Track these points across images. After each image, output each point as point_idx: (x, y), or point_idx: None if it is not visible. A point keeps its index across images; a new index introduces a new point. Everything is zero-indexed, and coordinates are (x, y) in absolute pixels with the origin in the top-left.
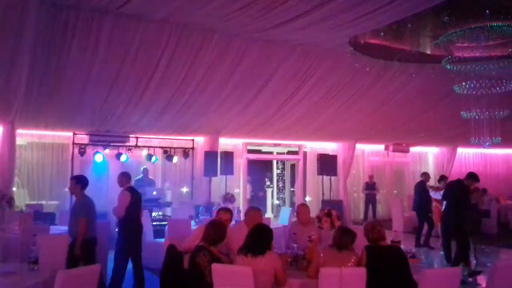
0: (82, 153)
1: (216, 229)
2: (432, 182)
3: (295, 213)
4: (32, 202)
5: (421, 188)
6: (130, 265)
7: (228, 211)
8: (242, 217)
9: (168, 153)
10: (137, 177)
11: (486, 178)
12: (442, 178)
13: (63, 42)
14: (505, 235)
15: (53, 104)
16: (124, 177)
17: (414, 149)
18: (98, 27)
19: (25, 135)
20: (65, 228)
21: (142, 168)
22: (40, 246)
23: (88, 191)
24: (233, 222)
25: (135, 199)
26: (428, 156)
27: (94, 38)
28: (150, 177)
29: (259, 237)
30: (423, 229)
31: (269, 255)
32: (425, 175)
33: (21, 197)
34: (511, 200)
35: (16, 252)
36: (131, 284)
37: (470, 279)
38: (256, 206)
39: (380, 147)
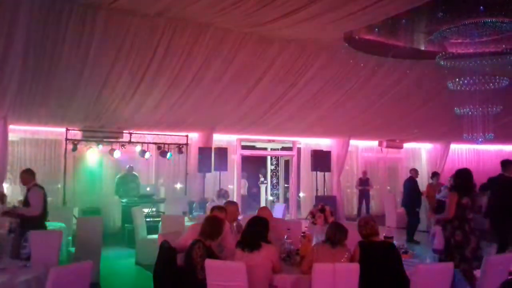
0: (75, 149)
1: (212, 225)
2: (425, 178)
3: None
4: None
5: (410, 184)
6: (125, 261)
7: (223, 209)
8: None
9: (162, 149)
10: (120, 175)
11: (478, 174)
12: (434, 174)
13: (56, 36)
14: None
15: (46, 99)
16: (27, 174)
17: (407, 145)
18: (92, 21)
19: (17, 131)
20: (58, 224)
21: (127, 167)
22: (32, 243)
23: (81, 187)
24: None
25: (46, 196)
26: (421, 152)
27: (87, 32)
28: (134, 172)
29: (253, 231)
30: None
31: (266, 248)
32: (414, 171)
33: (14, 193)
34: None
35: (8, 249)
36: (128, 281)
37: None
38: (233, 200)
39: (374, 143)
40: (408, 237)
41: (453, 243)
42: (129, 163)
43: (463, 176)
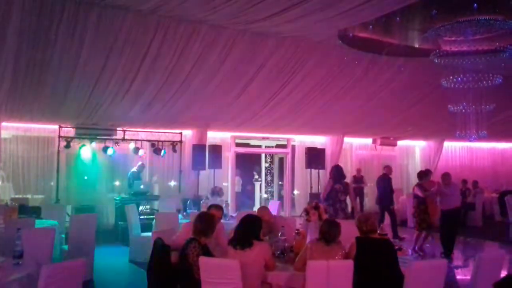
0: (68, 146)
1: (204, 222)
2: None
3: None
4: (17, 196)
5: (384, 181)
6: (118, 259)
7: (220, 208)
8: (230, 211)
9: (155, 147)
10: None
11: (472, 171)
12: (426, 173)
13: (48, 33)
14: (490, 228)
15: (38, 96)
16: None
17: (401, 143)
18: (84, 18)
19: (10, 128)
20: (51, 221)
21: (139, 163)
22: (25, 240)
23: (74, 185)
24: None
25: None
26: (415, 150)
27: (80, 29)
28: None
29: (245, 229)
30: (384, 221)
31: (258, 245)
32: (388, 169)
33: (6, 191)
34: (496, 193)
35: (1, 246)
36: (121, 278)
37: None
38: (218, 204)
39: (368, 140)
40: (394, 233)
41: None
42: (123, 160)
43: (337, 170)
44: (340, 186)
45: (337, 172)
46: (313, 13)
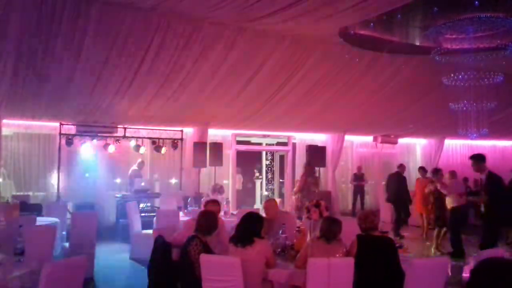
0: (69, 143)
1: (208, 219)
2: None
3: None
4: (18, 193)
5: (398, 179)
6: (119, 256)
7: (217, 203)
8: (231, 208)
9: (156, 144)
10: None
11: (472, 169)
12: (437, 171)
13: (49, 31)
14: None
15: (39, 94)
16: None
17: (402, 141)
18: (85, 15)
19: (11, 126)
20: (52, 219)
21: (139, 160)
22: (26, 238)
23: (75, 182)
24: (221, 213)
25: None
26: (416, 148)
27: (81, 26)
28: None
29: (246, 227)
30: (407, 222)
31: (259, 243)
32: (401, 167)
33: (7, 188)
34: None
35: (2, 244)
36: (122, 276)
37: None
38: (214, 199)
39: (369, 138)
40: (395, 231)
41: (300, 206)
42: (124, 158)
43: (310, 166)
44: (311, 179)
45: (309, 168)
46: (315, 10)
